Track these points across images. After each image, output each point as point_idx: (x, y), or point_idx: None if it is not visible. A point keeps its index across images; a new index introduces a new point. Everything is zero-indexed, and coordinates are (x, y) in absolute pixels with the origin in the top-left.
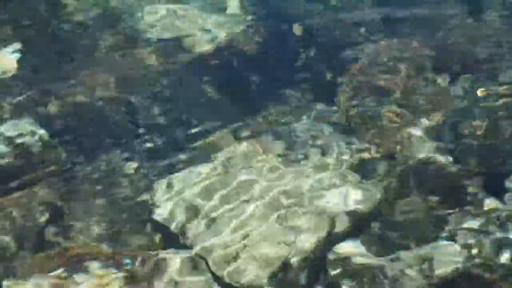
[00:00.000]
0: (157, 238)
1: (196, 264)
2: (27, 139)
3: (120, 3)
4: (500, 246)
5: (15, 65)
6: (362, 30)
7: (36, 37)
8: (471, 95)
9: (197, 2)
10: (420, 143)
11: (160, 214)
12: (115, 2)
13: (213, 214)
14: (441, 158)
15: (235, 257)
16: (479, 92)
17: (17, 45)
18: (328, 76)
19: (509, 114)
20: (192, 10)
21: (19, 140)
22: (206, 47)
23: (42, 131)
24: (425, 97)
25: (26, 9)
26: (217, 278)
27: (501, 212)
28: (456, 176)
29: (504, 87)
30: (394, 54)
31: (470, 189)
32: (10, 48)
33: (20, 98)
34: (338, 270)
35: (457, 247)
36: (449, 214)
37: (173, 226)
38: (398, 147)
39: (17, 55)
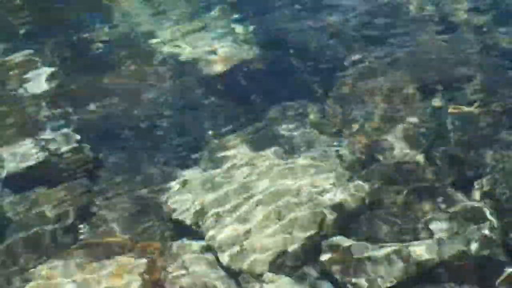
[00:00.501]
0: (173, 230)
1: (206, 253)
2: (60, 142)
3: (141, 27)
4: (469, 237)
5: (52, 82)
6: (352, 51)
7: (70, 57)
8: (443, 107)
9: (210, 29)
10: (400, 148)
11: (175, 209)
12: (137, 26)
13: (221, 209)
14: (418, 161)
15: (241, 247)
16: (451, 109)
17: (54, 64)
18: (321, 90)
19: (475, 125)
20: (205, 34)
21: (53, 143)
22: (216, 65)
23: (73, 136)
24: (403, 109)
25: (63, 35)
26: (223, 265)
27: (469, 207)
28: (431, 176)
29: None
30: (377, 72)
31: (442, 187)
32: (47, 67)
33: (55, 108)
34: (328, 257)
35: (432, 238)
36: (425, 209)
37: (186, 220)
38: (381, 151)
39: (53, 72)
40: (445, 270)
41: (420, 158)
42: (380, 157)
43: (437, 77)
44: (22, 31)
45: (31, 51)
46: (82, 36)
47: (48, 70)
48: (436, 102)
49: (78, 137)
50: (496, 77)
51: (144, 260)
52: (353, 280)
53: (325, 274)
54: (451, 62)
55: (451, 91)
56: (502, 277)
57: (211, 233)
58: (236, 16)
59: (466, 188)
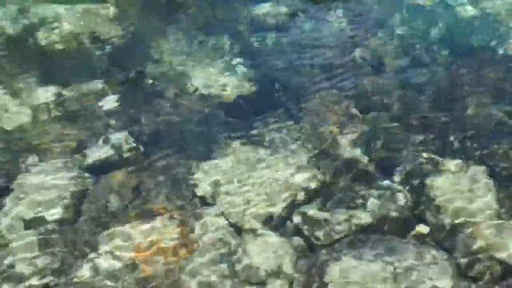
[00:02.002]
0: (197, 202)
1: (219, 216)
2: (120, 142)
3: (178, 67)
4: (390, 207)
5: (116, 103)
6: (315, 83)
7: (129, 87)
8: (374, 121)
9: (223, 70)
10: (346, 147)
11: (198, 187)
12: (175, 65)
13: (229, 188)
14: (358, 156)
15: (242, 212)
16: (380, 123)
17: (118, 91)
18: (295, 109)
19: (396, 133)
20: (219, 73)
21: (117, 143)
22: (226, 95)
23: (129, 138)
24: (349, 122)
25: (124, 71)
26: (230, 225)
27: (391, 187)
28: (366, 166)
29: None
30: (332, 98)
31: (374, 174)
32: (113, 94)
33: (118, 121)
34: (299, 219)
35: (366, 207)
36: (362, 188)
37: (206, 195)
38: (334, 149)
39: (117, 97)
40: (375, 228)
41: (360, 154)
42: (334, 154)
43: (372, 104)
44: (96, 67)
45: (102, 82)
46: (137, 72)
47: (114, 95)
48: (370, 119)
49: (133, 139)
50: (411, 104)
51: (177, 222)
52: (315, 234)
53: (297, 230)
54: (380, 94)
55: (380, 112)
56: (412, 233)
57: (222, 203)
58: (240, 60)
59: (390, 174)
